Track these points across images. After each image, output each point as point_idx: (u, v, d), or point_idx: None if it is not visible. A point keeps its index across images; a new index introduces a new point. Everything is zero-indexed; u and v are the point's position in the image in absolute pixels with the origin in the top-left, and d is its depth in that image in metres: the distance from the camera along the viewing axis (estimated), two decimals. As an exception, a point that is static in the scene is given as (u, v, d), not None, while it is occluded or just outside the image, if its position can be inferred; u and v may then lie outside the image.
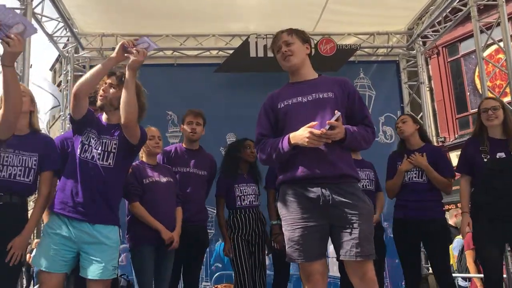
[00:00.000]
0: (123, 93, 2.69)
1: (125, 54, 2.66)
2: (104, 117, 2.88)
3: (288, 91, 2.63)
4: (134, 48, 2.63)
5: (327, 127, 2.32)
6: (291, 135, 2.40)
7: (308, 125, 2.36)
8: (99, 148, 2.75)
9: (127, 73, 2.69)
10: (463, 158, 3.57)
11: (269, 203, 4.14)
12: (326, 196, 2.37)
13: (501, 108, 3.41)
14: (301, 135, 2.36)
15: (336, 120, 2.34)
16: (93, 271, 2.66)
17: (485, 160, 3.35)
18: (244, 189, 4.10)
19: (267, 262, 4.13)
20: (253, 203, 4.08)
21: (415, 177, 3.76)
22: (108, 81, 2.86)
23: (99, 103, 2.86)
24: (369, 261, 2.35)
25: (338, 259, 2.44)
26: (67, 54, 5.92)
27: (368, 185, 4.06)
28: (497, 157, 3.33)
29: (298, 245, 2.39)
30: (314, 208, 2.39)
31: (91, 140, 2.77)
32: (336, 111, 2.37)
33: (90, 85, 2.70)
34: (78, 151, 2.75)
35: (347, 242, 2.33)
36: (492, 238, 3.23)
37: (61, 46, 5.90)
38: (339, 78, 2.68)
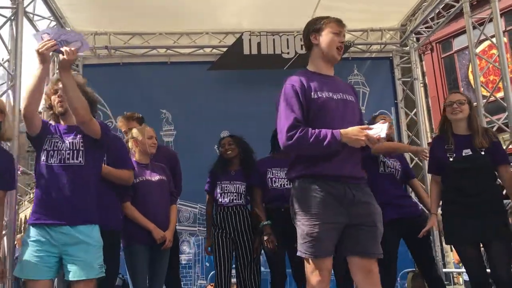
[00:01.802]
0: (66, 95, 2.68)
1: (54, 54, 2.70)
2: (62, 122, 2.88)
3: (318, 81, 2.55)
4: (63, 48, 2.60)
5: (382, 135, 2.35)
6: (343, 132, 2.37)
7: (362, 127, 2.42)
8: (67, 149, 2.75)
9: (60, 73, 2.68)
10: (430, 158, 3.56)
11: (256, 203, 4.05)
12: (350, 194, 2.42)
13: (466, 103, 3.36)
14: (355, 135, 2.36)
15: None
16: (81, 273, 2.65)
17: (451, 159, 3.30)
18: (226, 186, 4.07)
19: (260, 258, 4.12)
20: (234, 201, 4.03)
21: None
22: (59, 86, 2.85)
23: (60, 110, 2.86)
24: (377, 259, 2.46)
25: (345, 256, 2.48)
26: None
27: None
28: (463, 154, 3.28)
29: (316, 241, 2.38)
30: (337, 205, 2.41)
31: (56, 145, 2.77)
32: (383, 120, 2.48)
33: (35, 101, 2.71)
34: (44, 158, 2.75)
35: (365, 240, 2.41)
36: (467, 237, 3.19)
37: (53, 45, 5.87)
38: (350, 84, 2.80)
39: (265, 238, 3.83)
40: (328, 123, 2.43)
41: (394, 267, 3.75)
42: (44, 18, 5.21)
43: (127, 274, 3.60)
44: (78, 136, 2.80)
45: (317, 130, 2.39)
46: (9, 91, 3.95)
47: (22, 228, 24.34)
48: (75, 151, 2.76)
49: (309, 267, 2.44)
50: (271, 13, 5.53)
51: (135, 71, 6.00)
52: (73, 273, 2.65)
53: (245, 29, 5.74)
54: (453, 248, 5.90)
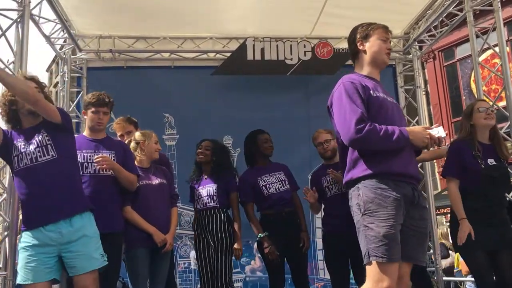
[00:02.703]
0: (11, 88, 2.68)
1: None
2: (28, 123, 2.88)
3: (371, 83, 2.57)
4: None
5: (443, 135, 2.41)
6: (409, 129, 2.42)
7: (425, 126, 2.49)
8: (34, 148, 2.76)
9: None
10: (454, 160, 3.42)
11: (249, 217, 4.11)
12: (416, 195, 2.42)
13: (494, 112, 3.42)
14: (420, 133, 2.41)
15: None
16: (85, 265, 2.69)
17: (482, 166, 3.28)
18: (200, 192, 4.15)
19: (259, 264, 4.15)
20: (208, 204, 4.08)
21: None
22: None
23: (28, 108, 2.82)
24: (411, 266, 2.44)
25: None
26: (64, 56, 5.91)
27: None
28: (489, 163, 3.30)
29: (394, 242, 2.27)
30: (403, 206, 2.35)
31: (22, 147, 2.78)
32: (437, 124, 2.55)
33: None
34: (16, 165, 2.77)
35: (413, 244, 2.38)
36: (480, 245, 3.19)
37: (58, 47, 5.89)
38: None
39: (266, 250, 3.88)
40: (384, 121, 2.43)
41: None
42: (49, 21, 5.24)
43: (128, 277, 3.60)
44: (42, 132, 2.81)
45: (383, 126, 2.39)
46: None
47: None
48: (44, 147, 2.77)
49: (376, 273, 2.27)
50: (275, 19, 5.55)
51: (138, 75, 6.01)
52: (78, 268, 2.68)
53: (249, 35, 5.77)
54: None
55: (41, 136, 2.80)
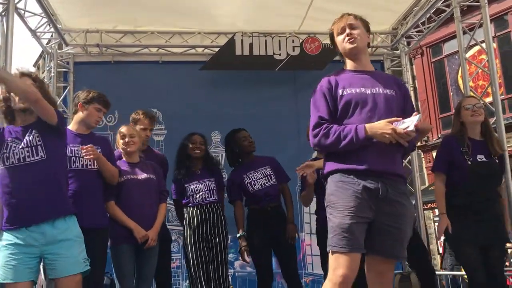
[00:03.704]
0: (10, 86, 2.67)
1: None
2: (19, 122, 2.85)
3: (349, 78, 2.52)
4: None
5: (410, 128, 2.25)
6: (368, 126, 2.33)
7: (389, 120, 2.32)
8: (24, 148, 2.72)
9: None
10: (442, 156, 3.48)
11: (236, 215, 4.17)
12: (384, 190, 2.35)
13: (482, 109, 3.44)
14: (381, 128, 2.30)
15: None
16: (67, 269, 2.65)
17: (469, 162, 3.31)
18: (195, 186, 4.06)
19: (248, 260, 4.15)
20: (207, 199, 4.04)
21: None
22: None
23: (21, 106, 2.79)
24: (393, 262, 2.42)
25: (366, 253, 2.38)
26: (50, 50, 5.84)
27: None
28: (478, 159, 3.32)
29: (347, 233, 2.27)
30: (369, 200, 2.33)
31: (12, 146, 2.73)
32: (415, 112, 2.35)
33: None
34: (2, 162, 2.72)
35: (387, 239, 2.34)
36: (471, 240, 3.22)
37: (44, 42, 5.82)
38: (396, 77, 2.68)
39: (242, 249, 4.05)
40: (359, 118, 2.39)
41: None
42: (35, 14, 5.17)
43: (114, 274, 3.59)
44: (33, 132, 2.76)
45: (342, 127, 2.37)
46: None
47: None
48: (33, 148, 2.72)
49: (333, 261, 2.31)
50: (263, 14, 5.53)
51: (126, 70, 5.97)
52: (58, 270, 2.64)
53: (238, 30, 5.75)
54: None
55: (32, 136, 2.75)
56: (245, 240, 4.06)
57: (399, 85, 2.60)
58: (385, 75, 2.64)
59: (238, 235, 4.13)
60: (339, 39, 2.59)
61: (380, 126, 2.31)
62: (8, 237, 2.65)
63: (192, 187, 4.06)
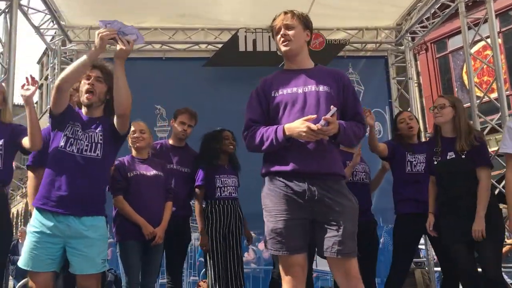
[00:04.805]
0: (117, 83, 2.69)
1: (112, 42, 2.67)
2: (84, 111, 2.85)
3: (283, 79, 2.52)
4: (124, 38, 2.66)
5: (323, 122, 2.25)
6: (286, 126, 2.33)
7: (305, 118, 2.29)
8: (86, 141, 2.73)
9: (116, 62, 2.69)
10: (426, 160, 3.69)
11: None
12: (312, 191, 2.33)
13: (449, 106, 3.39)
14: (297, 127, 2.28)
15: (332, 115, 2.27)
16: (83, 267, 2.65)
17: (435, 162, 3.42)
18: (225, 180, 4.05)
19: (252, 256, 4.14)
20: (232, 194, 4.05)
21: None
22: (93, 74, 2.83)
23: (86, 101, 2.81)
24: (352, 258, 2.33)
25: (320, 255, 2.40)
26: (54, 47, 5.85)
27: (364, 179, 4.06)
28: (448, 157, 3.35)
29: (280, 237, 2.33)
30: (299, 202, 2.34)
31: (77, 133, 2.74)
32: (332, 106, 2.31)
33: (75, 78, 2.71)
34: (63, 144, 2.71)
35: (329, 239, 2.30)
36: (458, 235, 3.24)
37: (48, 38, 5.83)
38: (335, 70, 2.61)
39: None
40: (289, 118, 2.39)
41: (402, 261, 3.79)
42: (38, 11, 5.18)
43: (119, 269, 3.59)
44: (99, 129, 2.77)
45: (265, 128, 2.40)
46: (3, 84, 3.92)
47: (14, 223, 24.23)
48: (94, 144, 2.73)
49: (281, 263, 2.39)
50: (266, 10, 5.48)
51: (129, 66, 5.85)
52: (75, 266, 2.66)
53: (241, 26, 5.73)
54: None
55: (96, 132, 2.76)
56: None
57: (337, 78, 2.52)
58: (324, 70, 2.57)
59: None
60: (276, 39, 2.58)
61: (297, 125, 2.30)
62: (37, 223, 2.64)
63: (222, 179, 4.06)
